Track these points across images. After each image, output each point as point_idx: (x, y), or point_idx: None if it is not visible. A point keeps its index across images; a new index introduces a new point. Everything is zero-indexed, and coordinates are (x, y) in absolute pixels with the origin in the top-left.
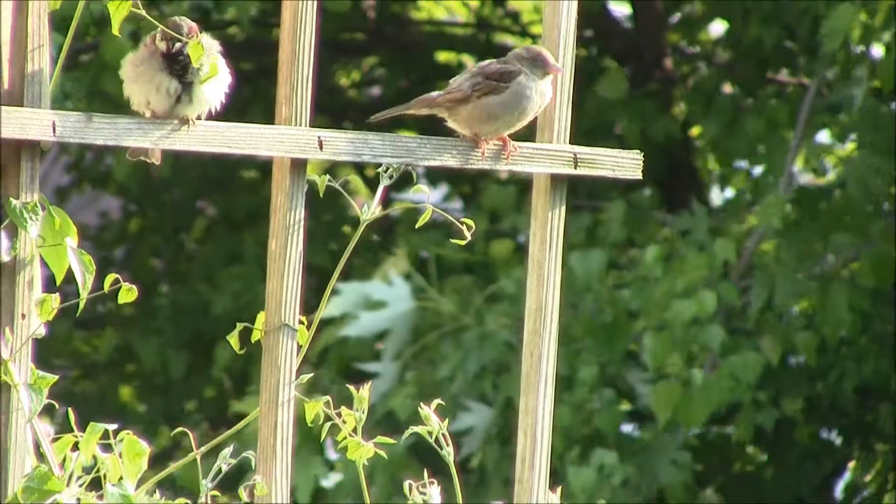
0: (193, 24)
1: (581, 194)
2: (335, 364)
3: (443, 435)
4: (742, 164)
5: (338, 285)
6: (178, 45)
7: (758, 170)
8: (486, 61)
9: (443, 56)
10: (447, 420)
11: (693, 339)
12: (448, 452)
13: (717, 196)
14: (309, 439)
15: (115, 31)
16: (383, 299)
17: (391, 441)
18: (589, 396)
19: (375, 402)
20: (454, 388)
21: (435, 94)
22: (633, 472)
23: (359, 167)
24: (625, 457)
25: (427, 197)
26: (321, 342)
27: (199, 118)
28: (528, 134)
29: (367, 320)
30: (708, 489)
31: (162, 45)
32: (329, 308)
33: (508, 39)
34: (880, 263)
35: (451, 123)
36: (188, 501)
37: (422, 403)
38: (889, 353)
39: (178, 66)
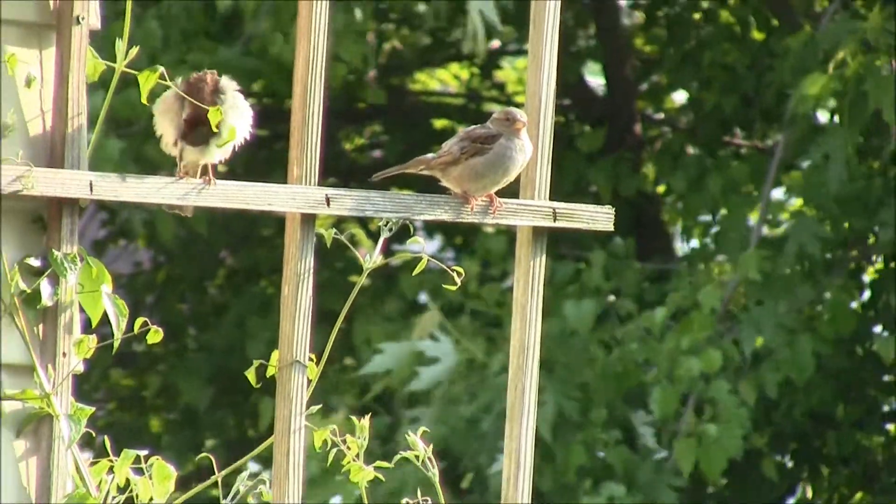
0: (215, 77)
1: (567, 244)
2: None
3: (428, 458)
4: (706, 217)
5: (381, 345)
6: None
7: (717, 223)
8: (472, 126)
9: (438, 123)
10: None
11: (702, 392)
12: (434, 473)
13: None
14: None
15: (144, 100)
16: (436, 355)
17: (388, 465)
18: (599, 437)
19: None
20: (484, 426)
21: (429, 156)
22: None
23: (362, 221)
24: (632, 488)
25: (422, 248)
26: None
27: (223, 160)
28: (513, 191)
29: (426, 374)
30: None
31: (185, 114)
32: (374, 364)
33: (496, 107)
34: (839, 314)
35: (444, 182)
36: None
37: (409, 432)
38: (833, 384)
39: (199, 136)
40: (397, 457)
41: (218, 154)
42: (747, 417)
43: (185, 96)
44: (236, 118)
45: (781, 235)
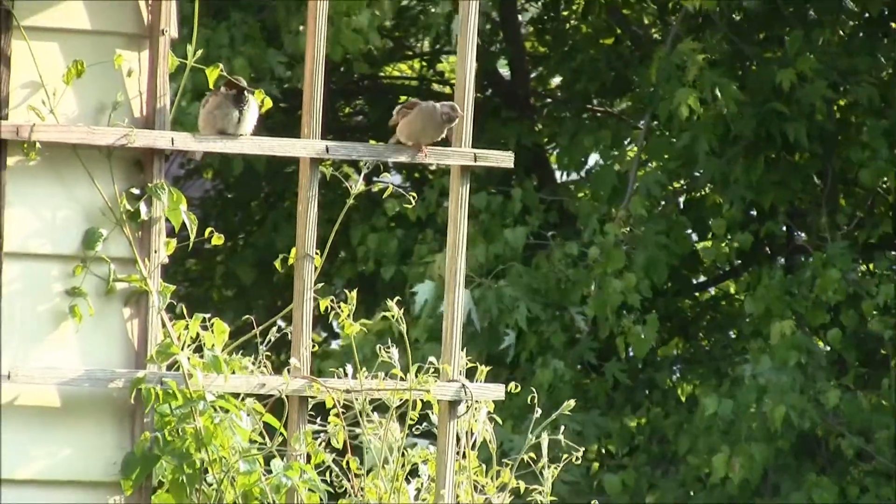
0: (243, 83)
1: (495, 183)
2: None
3: (401, 318)
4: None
5: (416, 287)
6: (244, 92)
7: (593, 171)
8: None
9: (402, 97)
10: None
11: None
12: (403, 327)
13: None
14: None
15: (211, 86)
16: None
17: (370, 322)
18: (547, 329)
19: None
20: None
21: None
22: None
23: (352, 163)
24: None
25: (390, 179)
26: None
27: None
28: (447, 144)
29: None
30: None
31: (233, 92)
32: (419, 299)
33: (437, 87)
34: (680, 237)
35: (403, 140)
36: (250, 359)
37: (388, 301)
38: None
39: (242, 103)
40: (378, 316)
41: (246, 130)
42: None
43: (234, 81)
44: (252, 112)
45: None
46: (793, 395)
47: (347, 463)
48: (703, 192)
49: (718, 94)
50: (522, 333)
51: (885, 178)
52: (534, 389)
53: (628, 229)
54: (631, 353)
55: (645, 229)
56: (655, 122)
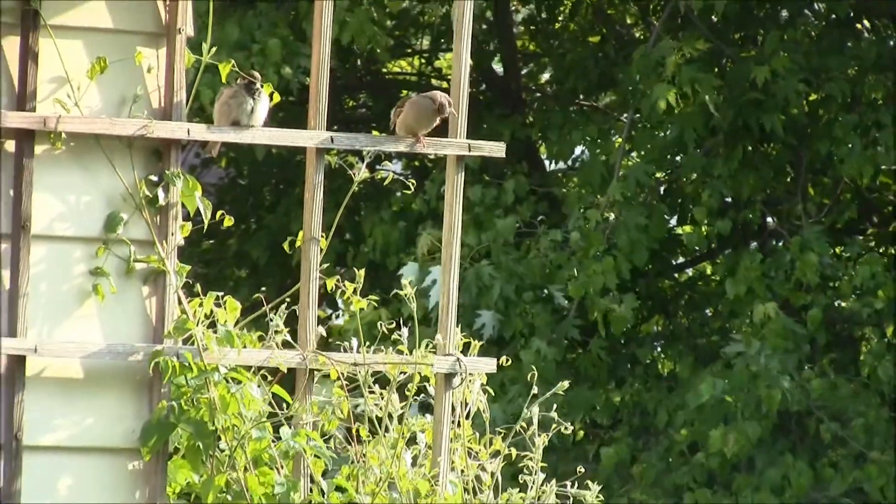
0: (257, 77)
1: (489, 174)
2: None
3: (412, 296)
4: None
5: (404, 267)
6: (256, 84)
7: (581, 161)
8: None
9: (403, 91)
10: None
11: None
12: (414, 306)
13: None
14: None
15: (224, 80)
16: (435, 276)
17: (376, 298)
18: (531, 310)
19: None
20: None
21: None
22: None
23: (355, 153)
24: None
25: (391, 167)
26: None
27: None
28: (443, 134)
29: (435, 291)
30: None
31: (247, 84)
32: (404, 273)
33: (435, 83)
34: (660, 223)
35: (400, 133)
36: (261, 334)
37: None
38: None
39: (254, 93)
40: (363, 301)
41: (257, 121)
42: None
43: (245, 76)
44: (263, 104)
45: (624, 169)
46: (784, 378)
47: (351, 430)
48: (685, 180)
49: (698, 89)
50: (507, 314)
51: (861, 172)
52: (533, 368)
53: (611, 216)
54: (611, 331)
55: (625, 214)
56: (638, 115)
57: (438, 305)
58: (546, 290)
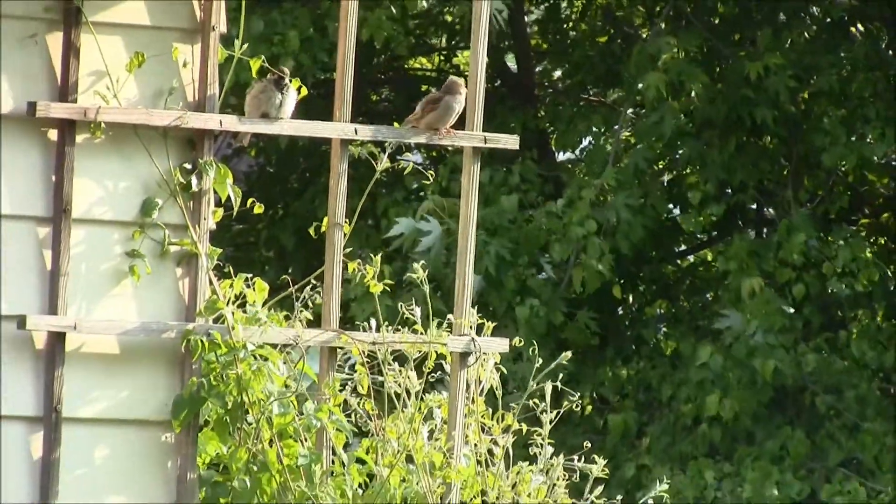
0: (286, 72)
1: (497, 162)
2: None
3: (424, 280)
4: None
5: (397, 219)
6: (284, 79)
7: (585, 150)
8: (430, 93)
9: (423, 87)
10: None
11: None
12: (427, 289)
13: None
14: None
15: (255, 74)
16: (430, 229)
17: (390, 282)
18: (525, 272)
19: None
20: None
21: (411, 116)
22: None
23: (377, 144)
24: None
25: (412, 157)
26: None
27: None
28: (462, 127)
29: (425, 241)
30: None
31: (276, 79)
32: (393, 230)
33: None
34: (659, 201)
35: (421, 126)
36: (287, 313)
37: (414, 264)
38: (651, 237)
39: (283, 87)
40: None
41: (286, 113)
42: (610, 260)
43: (274, 71)
44: (291, 97)
45: (627, 158)
46: (780, 351)
47: (371, 406)
48: (683, 171)
49: (684, 79)
50: (499, 275)
51: (843, 161)
52: (524, 336)
53: (605, 196)
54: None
55: (617, 196)
56: (639, 108)
57: (454, 286)
58: (539, 258)
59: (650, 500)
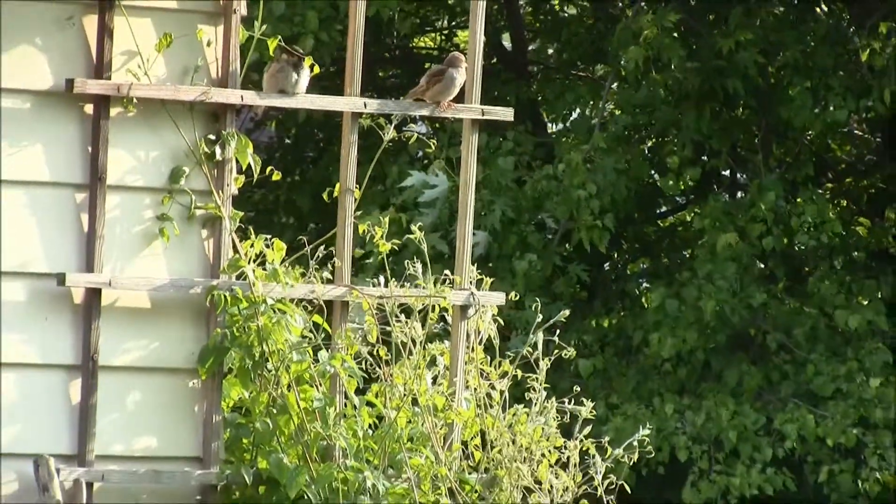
0: (301, 54)
1: (496, 130)
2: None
3: (423, 239)
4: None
5: (410, 172)
6: (301, 59)
7: (572, 120)
8: (434, 67)
9: (426, 65)
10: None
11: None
12: (424, 247)
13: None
14: None
15: (272, 54)
16: (436, 182)
17: (398, 241)
18: (525, 229)
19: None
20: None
21: (415, 89)
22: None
23: (385, 116)
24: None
25: (417, 128)
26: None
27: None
28: (461, 100)
29: (429, 193)
30: None
31: (293, 59)
32: (407, 181)
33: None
34: (641, 165)
35: (426, 99)
36: (304, 271)
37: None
38: (635, 196)
39: (298, 66)
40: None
41: (301, 89)
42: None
43: (292, 49)
44: (305, 75)
45: (610, 123)
46: (725, 294)
47: (379, 354)
48: (662, 139)
49: (662, 52)
50: (504, 232)
51: (809, 129)
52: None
53: (591, 158)
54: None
55: (604, 158)
56: (623, 82)
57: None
58: (540, 217)
59: (635, 442)
